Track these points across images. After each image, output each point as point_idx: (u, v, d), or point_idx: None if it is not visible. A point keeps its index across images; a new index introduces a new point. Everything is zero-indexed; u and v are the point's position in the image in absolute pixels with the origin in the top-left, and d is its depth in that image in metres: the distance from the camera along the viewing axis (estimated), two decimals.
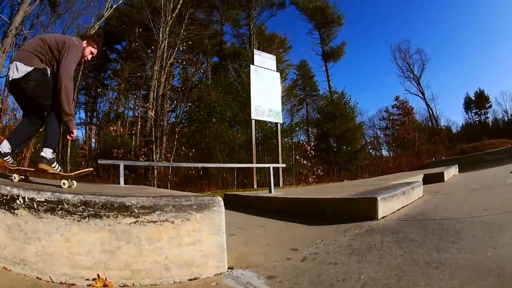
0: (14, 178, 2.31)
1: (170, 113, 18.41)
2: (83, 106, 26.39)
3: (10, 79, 2.33)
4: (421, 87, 33.96)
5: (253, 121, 11.98)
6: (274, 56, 13.85)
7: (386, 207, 3.79)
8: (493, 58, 56.02)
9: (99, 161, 6.31)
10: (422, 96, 33.84)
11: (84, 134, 24.36)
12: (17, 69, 2.29)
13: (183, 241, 1.82)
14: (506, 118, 37.03)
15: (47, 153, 2.45)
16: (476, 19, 56.73)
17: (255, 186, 10.91)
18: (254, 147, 11.86)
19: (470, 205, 3.76)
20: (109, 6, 16.09)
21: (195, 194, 2.56)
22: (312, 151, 21.34)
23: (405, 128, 29.52)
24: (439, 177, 7.53)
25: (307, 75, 31.87)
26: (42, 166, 2.44)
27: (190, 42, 16.29)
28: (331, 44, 29.21)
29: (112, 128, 18.61)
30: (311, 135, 27.74)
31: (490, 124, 37.86)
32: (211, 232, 1.92)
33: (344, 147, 23.90)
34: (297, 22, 50.60)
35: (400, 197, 4.22)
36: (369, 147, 30.24)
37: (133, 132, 21.15)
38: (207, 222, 1.91)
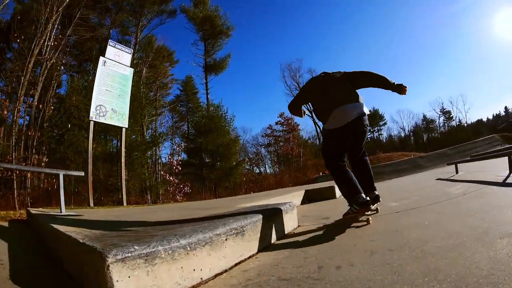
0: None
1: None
2: None
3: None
4: (308, 105, 39.39)
5: (91, 124, 11.35)
6: (131, 50, 13.63)
7: (153, 282, 1.16)
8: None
9: None
10: (310, 115, 38.90)
11: None
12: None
13: None
14: (402, 134, 44.69)
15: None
16: (375, 43, 69.60)
17: (91, 204, 10.13)
18: (90, 155, 11.25)
19: (425, 264, 1.43)
20: None
21: None
22: (178, 167, 21.82)
23: (289, 144, 32.43)
24: (328, 193, 5.76)
25: (191, 91, 34.13)
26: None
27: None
28: (215, 56, 32.02)
29: None
30: (178, 149, 27.87)
31: (384, 140, 45.83)
32: None
33: (219, 163, 24.50)
34: (184, 36, 56.65)
35: (222, 248, 1.74)
36: (248, 164, 31.65)
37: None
38: None
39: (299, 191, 5.82)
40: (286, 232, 2.65)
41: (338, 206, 4.30)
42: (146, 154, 21.18)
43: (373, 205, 2.99)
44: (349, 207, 2.86)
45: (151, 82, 25.27)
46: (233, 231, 1.88)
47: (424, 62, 69.83)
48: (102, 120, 11.58)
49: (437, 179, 6.31)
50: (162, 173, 22.12)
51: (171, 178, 20.50)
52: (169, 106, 29.76)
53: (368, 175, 3.16)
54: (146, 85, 23.38)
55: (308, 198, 5.79)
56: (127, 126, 13.02)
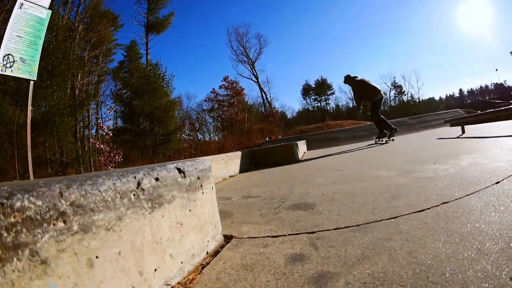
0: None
1: None
2: None
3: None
4: (255, 70, 37.22)
5: None
6: None
7: None
8: (338, 51, 68.80)
9: None
10: (256, 80, 36.90)
11: None
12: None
13: None
14: (351, 105, 44.25)
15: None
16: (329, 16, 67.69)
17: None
18: None
19: None
20: None
21: None
22: (109, 133, 18.64)
23: (233, 109, 30.41)
24: (287, 154, 3.67)
25: (135, 56, 31.87)
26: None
27: None
28: (158, 14, 30.64)
29: None
30: (109, 113, 24.92)
31: (332, 110, 45.38)
32: None
33: (157, 128, 22.49)
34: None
35: None
36: (189, 129, 30.01)
37: None
38: None
39: (238, 152, 3.64)
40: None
41: (315, 174, 2.20)
42: (70, 118, 18.51)
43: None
44: (387, 132, 6.19)
45: (86, 41, 22.47)
46: None
47: (377, 35, 69.50)
48: (8, 72, 9.31)
49: (439, 139, 4.49)
50: (92, 141, 19.50)
51: (101, 146, 17.45)
52: (111, 72, 27.33)
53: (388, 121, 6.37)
54: (78, 43, 20.72)
55: (255, 162, 3.66)
56: (35, 79, 10.67)
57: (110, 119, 24.59)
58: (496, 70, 58.65)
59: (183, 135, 26.36)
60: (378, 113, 6.21)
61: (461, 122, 4.95)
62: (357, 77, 6.66)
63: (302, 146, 6.07)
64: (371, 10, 64.24)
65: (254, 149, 3.90)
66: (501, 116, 4.06)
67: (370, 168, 2.25)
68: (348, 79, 6.65)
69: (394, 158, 2.80)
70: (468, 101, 53.78)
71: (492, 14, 56.70)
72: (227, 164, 3.08)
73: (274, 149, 3.76)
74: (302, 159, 4.48)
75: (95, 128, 23.48)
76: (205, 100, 33.58)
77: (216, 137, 30.94)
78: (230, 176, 3.09)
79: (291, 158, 3.63)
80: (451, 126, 5.85)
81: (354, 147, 6.70)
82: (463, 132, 4.82)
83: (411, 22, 65.08)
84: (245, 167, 3.59)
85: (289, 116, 43.03)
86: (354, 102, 7.40)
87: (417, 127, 12.69)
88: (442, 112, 18.37)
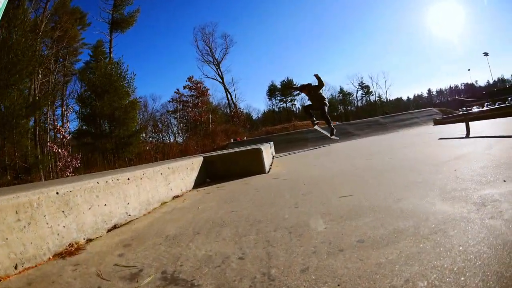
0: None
1: None
2: None
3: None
4: (220, 71, 37.36)
5: None
6: None
7: None
8: (304, 52, 68.75)
9: None
10: (221, 80, 37.01)
11: None
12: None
13: None
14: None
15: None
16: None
17: None
18: None
19: None
20: None
21: None
22: (67, 136, 18.13)
23: (197, 110, 30.07)
24: (252, 162, 2.72)
25: (101, 55, 30.87)
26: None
27: None
28: (123, 11, 30.22)
29: None
30: (67, 114, 23.63)
31: (297, 111, 45.42)
32: None
33: (117, 130, 21.55)
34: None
35: None
36: (152, 131, 29.42)
37: None
38: None
39: (188, 161, 2.65)
40: None
41: (306, 206, 1.23)
42: (26, 120, 17.60)
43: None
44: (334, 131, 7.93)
45: (51, 39, 21.46)
46: None
47: (345, 35, 70.32)
48: None
49: (442, 139, 3.67)
50: (49, 144, 18.24)
51: (59, 150, 16.65)
52: (76, 72, 26.36)
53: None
54: (41, 39, 19.41)
55: (213, 172, 2.71)
56: None
57: (69, 120, 22.87)
58: (469, 70, 61.46)
59: (148, 138, 24.83)
60: (327, 112, 7.33)
61: (466, 119, 3.97)
62: (310, 84, 7.51)
63: (271, 150, 5.18)
64: (339, 11, 65.21)
65: (213, 156, 2.95)
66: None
67: (399, 192, 1.34)
68: (303, 88, 7.58)
69: (420, 169, 1.85)
70: (437, 101, 55.55)
71: (465, 15, 59.30)
72: (168, 180, 2.09)
73: (236, 155, 2.82)
74: (273, 166, 3.58)
75: (53, 131, 21.77)
76: (169, 101, 32.87)
77: (180, 139, 29.95)
78: (174, 197, 2.10)
79: (259, 167, 2.72)
80: (434, 124, 5.20)
81: (330, 148, 5.93)
82: (469, 131, 3.84)
83: (380, 23, 66.72)
84: (198, 180, 2.62)
85: (254, 117, 43.03)
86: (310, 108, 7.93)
87: (390, 126, 12.25)
88: (416, 111, 18.18)
